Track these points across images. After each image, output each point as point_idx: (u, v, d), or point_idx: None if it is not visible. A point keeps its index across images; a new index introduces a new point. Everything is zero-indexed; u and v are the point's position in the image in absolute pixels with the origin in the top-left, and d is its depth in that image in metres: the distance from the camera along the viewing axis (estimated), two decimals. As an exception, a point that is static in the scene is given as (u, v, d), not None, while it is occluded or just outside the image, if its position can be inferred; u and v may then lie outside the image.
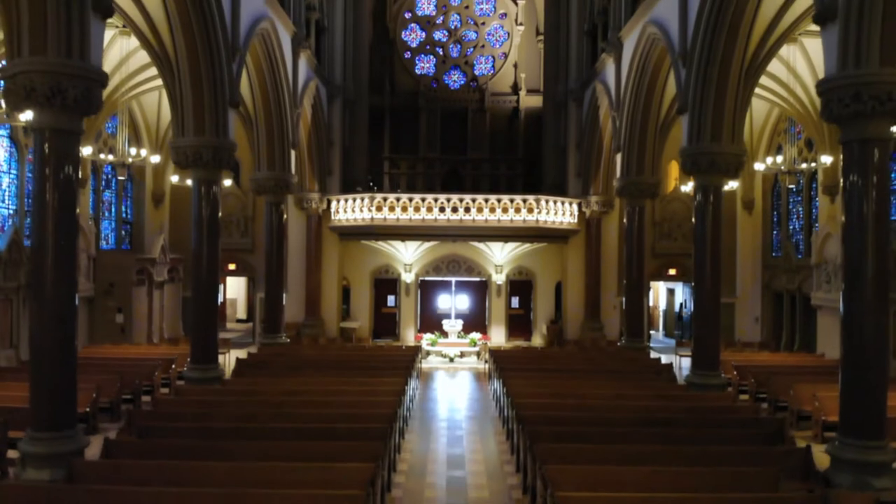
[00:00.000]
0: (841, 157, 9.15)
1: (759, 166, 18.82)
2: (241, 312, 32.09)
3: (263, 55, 17.34)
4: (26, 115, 10.90)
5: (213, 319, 14.02)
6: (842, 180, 9.12)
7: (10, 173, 17.50)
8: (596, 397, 12.07)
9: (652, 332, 28.35)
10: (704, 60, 13.55)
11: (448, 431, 13.02)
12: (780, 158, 17.78)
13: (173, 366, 15.94)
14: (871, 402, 8.73)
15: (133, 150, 17.14)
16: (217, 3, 13.59)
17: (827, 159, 17.49)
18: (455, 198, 23.24)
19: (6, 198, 17.43)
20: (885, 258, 8.84)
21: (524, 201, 23.21)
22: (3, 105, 13.03)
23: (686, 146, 14.18)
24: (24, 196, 17.67)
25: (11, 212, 17.49)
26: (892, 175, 11.16)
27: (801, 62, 18.15)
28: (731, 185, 19.39)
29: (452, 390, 17.35)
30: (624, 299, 21.09)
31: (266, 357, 16.46)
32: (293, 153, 19.81)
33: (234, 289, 31.68)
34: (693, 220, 14.52)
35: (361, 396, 11.82)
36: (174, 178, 21.52)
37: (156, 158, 18.83)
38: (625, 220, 20.69)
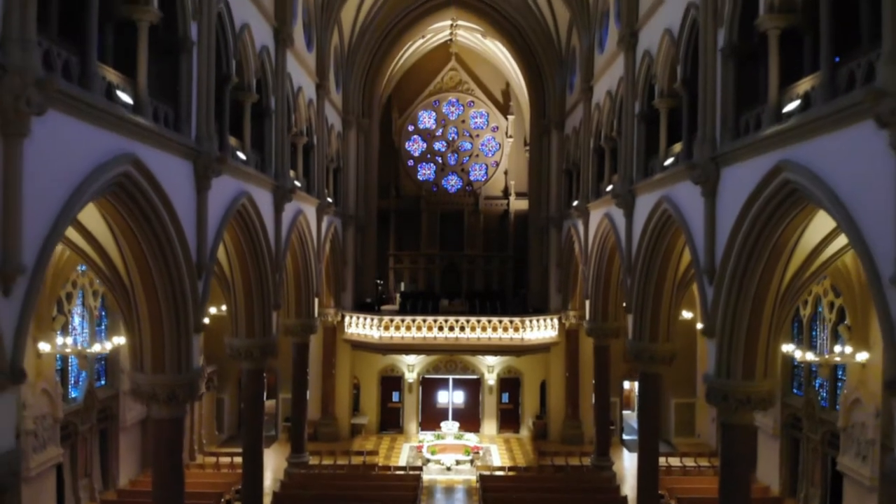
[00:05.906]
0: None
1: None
2: (262, 390, 35.87)
3: (296, 237, 21.01)
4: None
5: (258, 492, 17.75)
6: (721, 448, 12.91)
7: (83, 332, 21.26)
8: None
9: (626, 411, 32.18)
10: (644, 276, 17.28)
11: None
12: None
13: (223, 498, 19.92)
14: None
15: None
16: (263, 232, 17.28)
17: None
18: (452, 319, 27.01)
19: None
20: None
21: (511, 322, 27.00)
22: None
23: (631, 340, 17.97)
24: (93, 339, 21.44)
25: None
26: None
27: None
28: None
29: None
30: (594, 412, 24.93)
31: (295, 493, 20.22)
32: (316, 300, 23.54)
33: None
34: (636, 399, 18.31)
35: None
36: (212, 310, 25.22)
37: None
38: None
